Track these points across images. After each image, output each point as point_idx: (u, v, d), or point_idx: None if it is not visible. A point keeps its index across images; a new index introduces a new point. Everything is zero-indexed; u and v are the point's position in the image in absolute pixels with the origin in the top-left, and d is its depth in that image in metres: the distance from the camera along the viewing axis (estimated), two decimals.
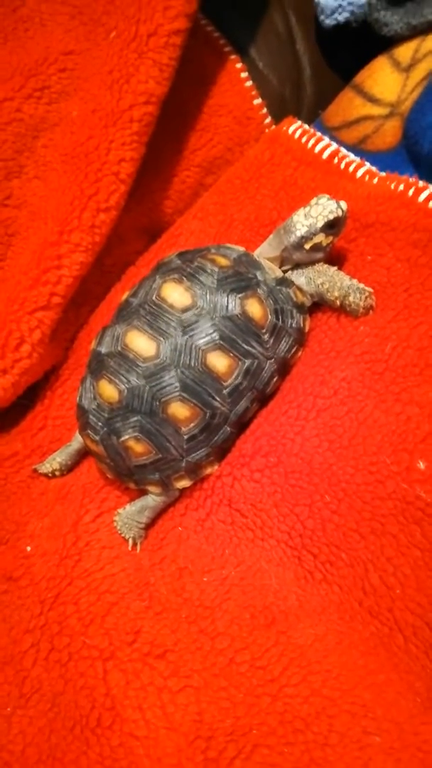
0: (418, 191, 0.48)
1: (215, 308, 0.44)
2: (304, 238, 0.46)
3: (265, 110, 0.67)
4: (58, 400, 0.58)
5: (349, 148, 0.58)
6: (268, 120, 0.67)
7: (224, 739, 0.38)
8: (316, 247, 0.47)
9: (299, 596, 0.44)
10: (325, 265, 0.48)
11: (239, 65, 0.67)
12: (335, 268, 0.47)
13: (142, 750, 0.37)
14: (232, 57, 0.67)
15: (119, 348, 0.45)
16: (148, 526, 0.49)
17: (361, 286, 0.46)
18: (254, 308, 0.45)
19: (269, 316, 0.45)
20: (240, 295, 0.45)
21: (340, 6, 0.68)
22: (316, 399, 0.45)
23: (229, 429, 0.46)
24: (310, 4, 0.70)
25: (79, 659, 0.41)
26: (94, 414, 0.46)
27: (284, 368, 0.47)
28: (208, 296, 0.44)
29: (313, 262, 0.48)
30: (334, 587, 0.43)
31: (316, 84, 0.73)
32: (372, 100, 0.61)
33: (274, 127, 0.63)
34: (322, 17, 0.69)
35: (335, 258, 0.50)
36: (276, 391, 0.47)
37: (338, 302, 0.46)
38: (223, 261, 0.46)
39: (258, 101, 0.67)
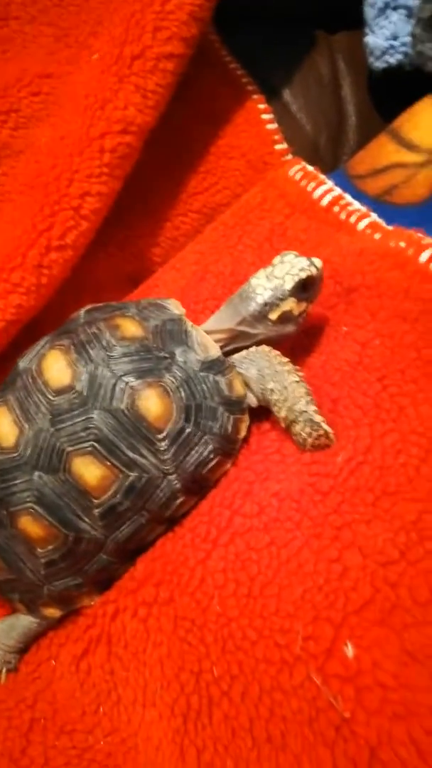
0: (420, 249, 0.35)
1: (97, 397, 0.32)
2: (269, 306, 0.35)
3: (289, 156, 0.58)
4: None
5: (371, 201, 0.47)
6: None
7: None
8: (285, 317, 0.35)
9: None
10: (288, 366, 0.34)
11: (262, 106, 0.58)
12: (300, 375, 0.34)
13: None
14: (255, 96, 0.58)
15: None
16: (21, 651, 0.37)
17: (318, 418, 0.32)
18: (150, 402, 0.32)
19: (173, 415, 0.33)
20: (135, 383, 0.32)
21: (391, 47, 0.58)
22: (234, 516, 0.31)
23: (105, 557, 0.33)
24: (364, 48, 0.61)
25: None
26: None
27: (197, 487, 0.34)
28: (91, 378, 0.33)
29: (282, 339, 0.36)
30: None
31: (361, 134, 0.64)
32: (408, 146, 0.51)
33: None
34: (371, 59, 0.60)
35: (305, 326, 0.38)
36: (188, 512, 0.34)
37: (283, 424, 0.34)
38: (131, 329, 0.34)
39: (281, 146, 0.57)
